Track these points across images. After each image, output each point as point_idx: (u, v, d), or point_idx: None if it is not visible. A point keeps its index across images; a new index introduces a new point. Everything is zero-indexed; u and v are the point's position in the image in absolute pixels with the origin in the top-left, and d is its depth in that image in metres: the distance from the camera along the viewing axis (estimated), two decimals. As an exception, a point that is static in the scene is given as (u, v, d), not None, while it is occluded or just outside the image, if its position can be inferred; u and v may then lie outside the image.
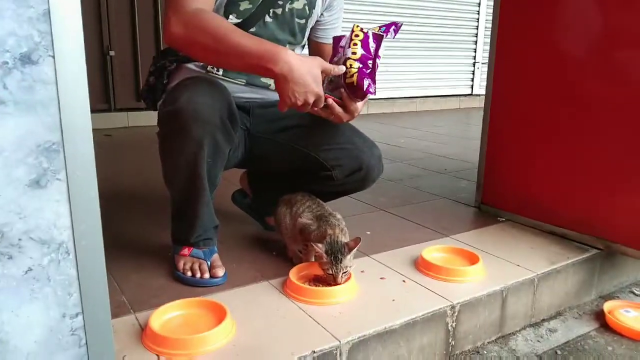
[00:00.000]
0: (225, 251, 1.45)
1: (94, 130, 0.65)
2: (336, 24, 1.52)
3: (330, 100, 1.22)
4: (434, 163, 2.91)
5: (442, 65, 5.76)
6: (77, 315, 0.72)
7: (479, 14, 5.83)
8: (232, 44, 1.13)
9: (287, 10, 1.40)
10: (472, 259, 1.45)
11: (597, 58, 1.59)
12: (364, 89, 1.19)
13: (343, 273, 1.24)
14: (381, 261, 1.48)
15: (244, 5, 1.33)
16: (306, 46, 1.55)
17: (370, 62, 1.20)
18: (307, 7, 1.43)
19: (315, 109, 1.21)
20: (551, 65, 1.71)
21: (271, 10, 1.37)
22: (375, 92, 1.22)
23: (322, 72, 1.16)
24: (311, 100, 1.15)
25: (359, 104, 1.30)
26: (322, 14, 1.49)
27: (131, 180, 2.38)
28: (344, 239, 1.28)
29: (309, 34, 1.52)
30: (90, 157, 0.63)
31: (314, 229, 1.32)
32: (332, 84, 1.24)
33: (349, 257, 1.25)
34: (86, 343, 0.73)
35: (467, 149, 3.22)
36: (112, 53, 3.76)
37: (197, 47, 1.17)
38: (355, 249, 1.26)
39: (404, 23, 1.35)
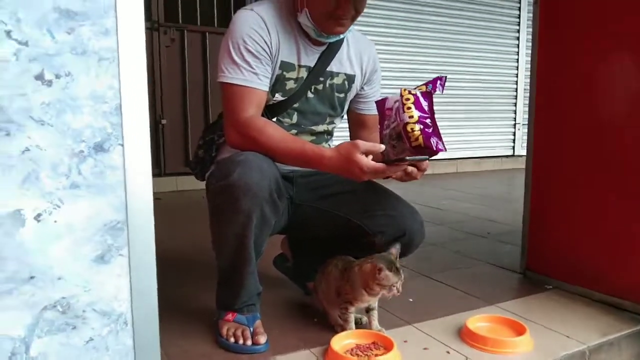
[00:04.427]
0: (268, 316, 1.47)
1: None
2: (376, 95, 1.59)
3: (409, 168, 1.28)
4: (476, 226, 2.87)
5: (483, 127, 5.78)
6: (130, 384, 0.75)
7: (517, 76, 5.88)
8: (280, 154, 1.32)
9: (327, 85, 1.48)
10: (519, 330, 1.41)
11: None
12: (434, 148, 1.20)
13: None
14: (424, 330, 1.46)
15: (290, 85, 1.43)
16: (345, 117, 1.62)
17: (428, 120, 1.22)
18: (346, 82, 1.51)
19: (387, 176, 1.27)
20: (592, 126, 1.68)
21: (313, 87, 1.46)
22: (445, 148, 1.23)
23: (365, 153, 1.20)
24: (368, 178, 1.24)
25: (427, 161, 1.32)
26: (362, 88, 1.57)
27: (178, 242, 2.46)
28: None
29: (350, 106, 1.59)
30: (150, 234, 0.69)
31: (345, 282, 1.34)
32: (396, 148, 1.25)
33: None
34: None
35: (509, 212, 3.16)
36: (164, 122, 4.00)
37: (254, 150, 1.31)
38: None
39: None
